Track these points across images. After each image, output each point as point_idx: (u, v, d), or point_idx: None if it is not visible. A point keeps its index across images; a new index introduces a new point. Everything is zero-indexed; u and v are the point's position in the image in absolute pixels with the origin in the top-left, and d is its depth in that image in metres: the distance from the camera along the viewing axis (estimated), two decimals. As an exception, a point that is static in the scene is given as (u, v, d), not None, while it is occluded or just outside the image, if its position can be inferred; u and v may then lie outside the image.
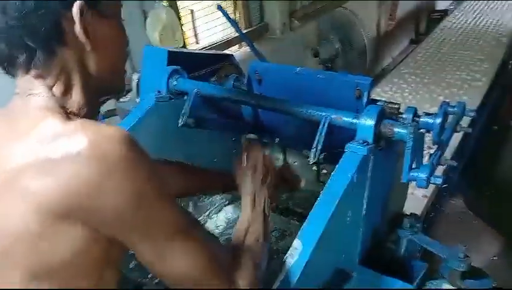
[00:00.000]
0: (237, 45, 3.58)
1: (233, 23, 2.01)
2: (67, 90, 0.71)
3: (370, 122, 1.05)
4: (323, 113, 1.14)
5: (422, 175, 1.05)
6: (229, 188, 1.29)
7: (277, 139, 1.81)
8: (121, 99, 2.68)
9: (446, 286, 1.13)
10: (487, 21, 5.05)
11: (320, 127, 1.13)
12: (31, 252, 0.64)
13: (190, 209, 1.75)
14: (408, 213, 1.50)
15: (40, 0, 0.65)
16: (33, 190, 0.61)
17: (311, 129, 1.56)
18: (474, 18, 5.21)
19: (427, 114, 1.27)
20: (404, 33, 6.62)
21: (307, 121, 1.29)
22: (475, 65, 3.77)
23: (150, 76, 1.55)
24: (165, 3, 2.67)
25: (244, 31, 3.56)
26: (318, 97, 1.34)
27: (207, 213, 1.83)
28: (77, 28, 0.68)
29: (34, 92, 0.69)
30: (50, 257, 0.64)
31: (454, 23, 5.12)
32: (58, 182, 0.61)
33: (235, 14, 3.59)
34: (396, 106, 1.36)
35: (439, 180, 1.05)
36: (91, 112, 0.74)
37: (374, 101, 1.42)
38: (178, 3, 2.96)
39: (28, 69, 0.69)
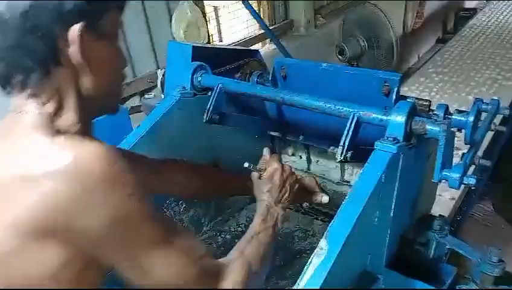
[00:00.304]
0: (260, 43, 3.57)
1: (259, 19, 1.99)
2: (59, 109, 0.71)
3: (401, 119, 1.02)
4: (352, 109, 1.11)
5: (455, 175, 1.01)
6: (248, 192, 1.28)
7: (301, 137, 1.79)
8: (146, 96, 2.71)
9: (477, 291, 1.09)
10: (519, 19, 4.87)
11: (348, 123, 1.10)
12: (3, 270, 0.63)
13: (212, 207, 1.75)
14: (436, 215, 1.46)
15: (39, 22, 0.64)
16: (13, 206, 0.61)
17: (337, 126, 1.53)
18: (505, 16, 5.03)
19: (459, 111, 1.22)
20: (431, 31, 6.48)
21: (333, 118, 1.25)
22: (506, 64, 3.63)
23: (175, 72, 1.55)
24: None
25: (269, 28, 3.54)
26: (344, 93, 1.31)
27: (229, 211, 1.82)
28: (75, 50, 0.67)
29: (25, 110, 0.69)
30: (23, 276, 0.63)
31: (484, 21, 4.95)
32: (38, 199, 0.60)
33: (259, 11, 3.57)
34: (426, 103, 1.32)
35: (473, 181, 1.00)
36: (83, 130, 0.73)
37: (403, 98, 1.38)
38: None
39: (23, 88, 0.69)
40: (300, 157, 1.99)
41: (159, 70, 1.71)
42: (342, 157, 1.08)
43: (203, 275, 0.76)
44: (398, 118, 1.02)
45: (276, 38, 2.07)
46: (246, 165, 1.12)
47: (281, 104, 1.27)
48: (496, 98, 1.23)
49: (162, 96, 1.69)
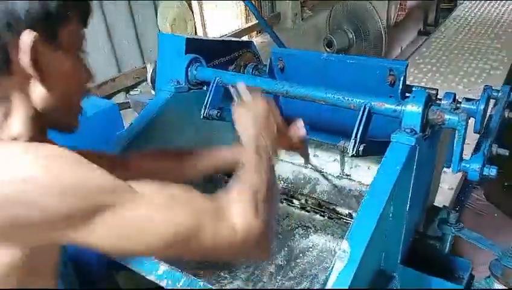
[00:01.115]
0: (247, 36, 3.49)
1: (254, 9, 1.91)
2: (5, 118, 0.65)
3: (417, 108, 0.96)
4: (363, 100, 1.05)
5: (475, 166, 0.96)
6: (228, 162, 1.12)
7: (299, 131, 1.72)
8: (131, 92, 2.60)
9: (497, 286, 1.04)
10: (501, 9, 4.92)
11: (360, 115, 1.04)
12: None
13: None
14: (440, 207, 1.42)
15: None
16: None
17: (339, 118, 1.47)
18: (487, 6, 5.08)
19: (468, 99, 1.18)
20: (414, 24, 6.50)
21: (334, 110, 1.19)
22: (492, 54, 3.65)
23: (167, 65, 1.46)
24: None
25: (255, 22, 3.46)
26: (347, 84, 1.24)
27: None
28: (25, 58, 0.61)
29: None
30: None
31: (467, 12, 4.99)
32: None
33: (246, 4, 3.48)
34: (433, 92, 1.27)
35: (494, 171, 0.96)
36: (30, 139, 0.67)
37: (409, 87, 1.33)
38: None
39: None
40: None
41: (149, 64, 1.61)
42: (354, 152, 1.02)
43: (202, 216, 0.67)
44: (415, 108, 0.96)
45: (271, 28, 2.00)
46: (232, 90, 0.98)
47: (285, 96, 1.20)
48: (508, 85, 1.19)
49: (153, 92, 1.59)
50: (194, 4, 3.15)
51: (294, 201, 1.39)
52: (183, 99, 1.38)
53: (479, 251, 1.41)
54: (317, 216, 1.61)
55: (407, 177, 0.97)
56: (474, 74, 3.34)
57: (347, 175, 1.82)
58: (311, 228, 1.66)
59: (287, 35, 3.44)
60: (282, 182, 1.91)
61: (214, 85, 1.29)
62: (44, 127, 0.71)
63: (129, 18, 2.40)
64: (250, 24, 3.44)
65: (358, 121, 1.03)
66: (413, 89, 1.33)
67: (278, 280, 1.39)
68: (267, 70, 1.52)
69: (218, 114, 1.29)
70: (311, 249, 1.57)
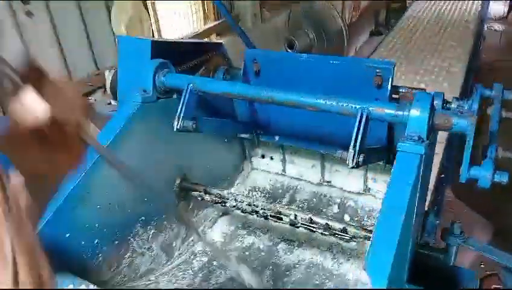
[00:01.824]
0: (207, 38, 3.34)
1: (224, 8, 1.78)
2: None
3: (424, 113, 0.87)
4: (359, 106, 0.94)
5: (486, 173, 0.88)
6: None
7: (277, 138, 1.61)
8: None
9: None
10: (451, 8, 5.07)
11: (357, 122, 0.93)
12: None
13: (182, 228, 1.52)
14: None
15: None
16: None
17: (321, 123, 1.37)
18: (438, 6, 5.21)
19: (458, 99, 1.11)
20: (366, 24, 6.61)
21: (317, 114, 1.08)
22: (449, 52, 3.73)
23: (130, 72, 1.30)
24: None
25: (214, 23, 3.33)
26: (329, 88, 1.14)
27: (201, 228, 1.60)
28: None
29: None
30: None
31: (419, 11, 5.09)
32: None
33: (203, 6, 3.33)
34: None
35: (506, 177, 0.88)
36: None
37: (396, 88, 1.26)
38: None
39: None
40: (272, 159, 1.82)
41: (107, 71, 1.43)
42: (354, 164, 0.91)
43: None
44: (420, 113, 0.87)
45: (240, 28, 1.87)
46: None
47: (271, 103, 1.07)
48: (500, 83, 1.13)
49: (113, 102, 1.42)
50: (148, 4, 2.96)
51: (284, 218, 1.26)
52: (152, 110, 1.23)
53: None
54: (301, 228, 1.50)
55: (415, 188, 0.87)
56: (434, 71, 3.37)
57: (327, 182, 1.73)
58: (294, 241, 1.55)
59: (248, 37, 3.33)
60: (259, 192, 1.79)
61: (187, 93, 1.15)
62: None
63: (78, 20, 2.17)
64: (209, 25, 3.30)
65: (355, 129, 0.93)
66: (401, 90, 1.26)
67: (266, 304, 1.27)
68: (241, 74, 1.39)
69: (194, 125, 1.14)
70: (297, 266, 1.45)
